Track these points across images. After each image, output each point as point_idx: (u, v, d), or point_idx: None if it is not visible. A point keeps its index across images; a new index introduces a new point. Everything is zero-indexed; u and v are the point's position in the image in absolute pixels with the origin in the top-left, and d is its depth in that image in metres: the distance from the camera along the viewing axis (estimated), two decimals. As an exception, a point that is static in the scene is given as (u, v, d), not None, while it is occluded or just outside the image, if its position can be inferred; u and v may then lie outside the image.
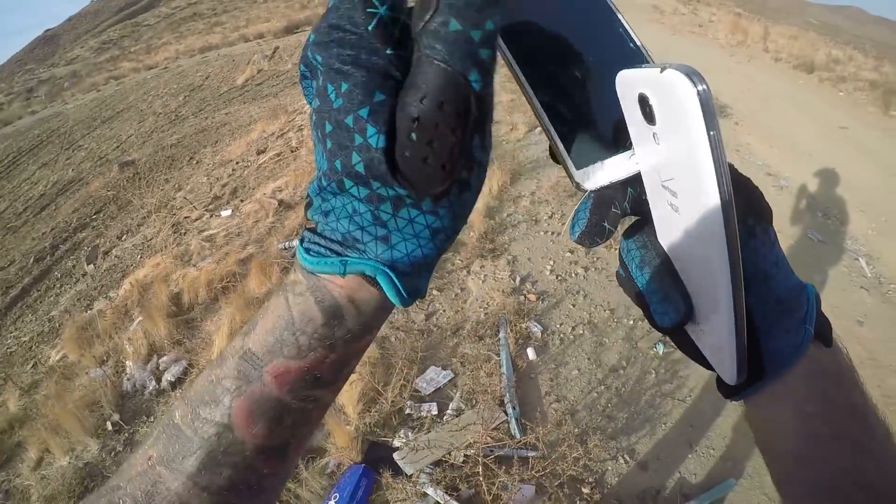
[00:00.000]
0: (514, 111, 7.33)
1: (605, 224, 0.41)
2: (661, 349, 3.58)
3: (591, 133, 0.42)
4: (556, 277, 4.20)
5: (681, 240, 0.40)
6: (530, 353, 3.42)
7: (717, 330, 0.39)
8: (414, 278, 0.36)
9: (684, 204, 0.37)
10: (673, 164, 0.36)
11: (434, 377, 3.22)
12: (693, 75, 0.32)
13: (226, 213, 6.68)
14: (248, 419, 0.35)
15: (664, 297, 0.41)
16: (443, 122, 0.30)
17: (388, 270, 0.34)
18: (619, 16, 0.48)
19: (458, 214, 0.35)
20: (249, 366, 0.35)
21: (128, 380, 3.91)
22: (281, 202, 6.21)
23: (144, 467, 0.36)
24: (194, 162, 10.02)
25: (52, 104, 20.67)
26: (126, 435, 3.50)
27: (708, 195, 0.34)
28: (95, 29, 41.50)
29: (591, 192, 0.42)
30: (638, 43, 0.46)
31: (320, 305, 0.35)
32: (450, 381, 3.25)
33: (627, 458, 2.88)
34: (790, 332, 0.39)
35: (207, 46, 22.98)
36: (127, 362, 4.07)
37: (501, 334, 3.49)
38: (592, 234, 0.41)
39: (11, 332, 6.03)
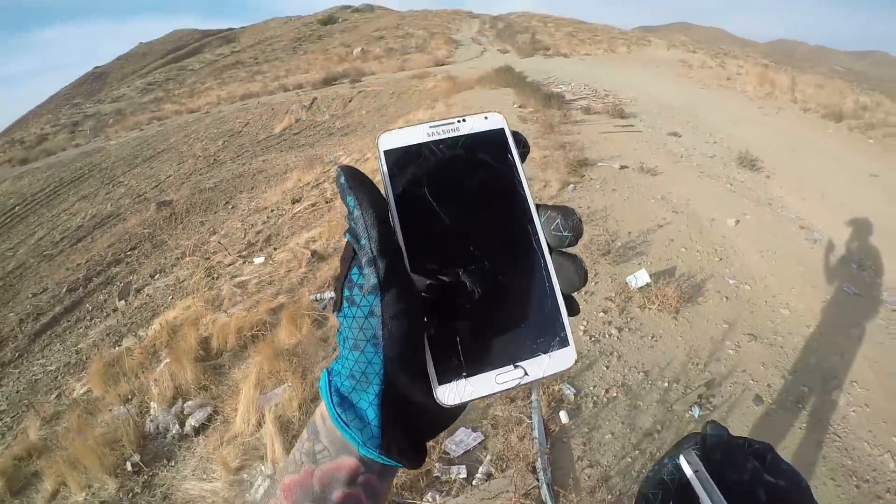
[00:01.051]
0: (547, 168, 7.37)
1: None
2: (696, 413, 3.46)
3: (464, 346, 0.41)
4: (590, 338, 4.12)
5: None
6: (563, 416, 3.32)
7: None
8: (351, 395, 0.41)
9: None
10: None
11: (464, 439, 3.14)
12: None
13: (259, 260, 6.76)
14: None
15: None
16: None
17: (326, 371, 0.42)
18: (535, 215, 0.46)
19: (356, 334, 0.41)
20: (272, 488, 0.43)
21: (151, 421, 3.89)
22: (314, 252, 6.26)
23: None
24: (230, 207, 10.26)
25: (95, 139, 21.48)
26: (145, 477, 3.46)
27: None
28: (142, 70, 43.39)
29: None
30: (546, 255, 0.45)
31: (308, 423, 0.44)
32: (480, 443, 3.15)
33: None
34: None
35: (248, 94, 23.84)
36: (151, 403, 4.07)
37: (534, 396, 3.40)
38: None
39: (38, 360, 6.10)
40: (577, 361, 0.42)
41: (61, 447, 3.78)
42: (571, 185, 6.80)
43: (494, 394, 0.42)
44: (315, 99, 19.24)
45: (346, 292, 0.41)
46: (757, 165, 7.98)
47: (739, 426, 3.42)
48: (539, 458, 2.95)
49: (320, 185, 9.73)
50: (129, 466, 3.53)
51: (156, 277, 7.58)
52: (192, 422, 3.78)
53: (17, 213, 12.98)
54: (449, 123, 0.46)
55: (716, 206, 6.34)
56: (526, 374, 0.42)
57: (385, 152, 0.44)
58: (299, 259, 6.17)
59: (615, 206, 6.26)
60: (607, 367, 3.83)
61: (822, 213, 6.46)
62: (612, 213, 6.08)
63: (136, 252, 9.02)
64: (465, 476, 2.91)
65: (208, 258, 7.48)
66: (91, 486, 3.44)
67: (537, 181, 7.02)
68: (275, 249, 7.07)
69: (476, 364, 0.41)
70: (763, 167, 7.96)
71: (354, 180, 0.40)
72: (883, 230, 5.90)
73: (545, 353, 0.43)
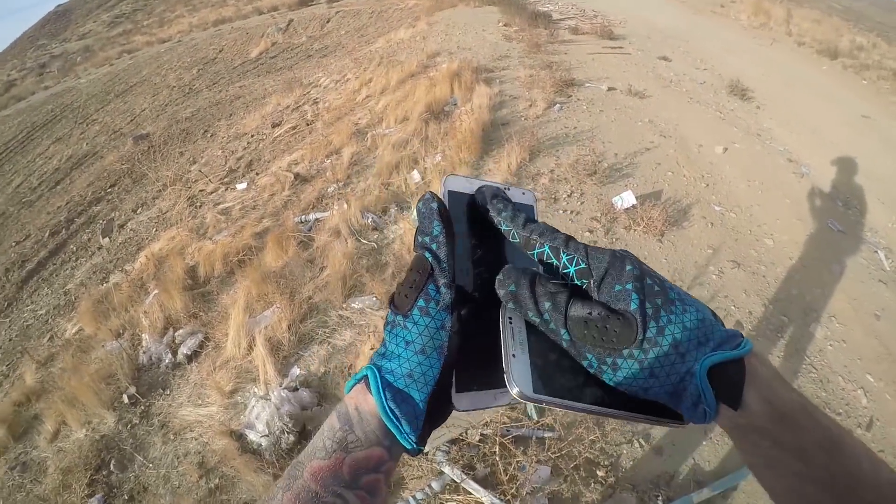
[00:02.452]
0: (532, 87, 7.23)
1: None
2: (678, 334, 3.55)
3: (478, 367, 0.52)
4: (574, 257, 4.14)
5: None
6: (549, 334, 3.39)
7: None
8: (403, 392, 0.49)
9: None
10: None
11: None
12: None
13: (241, 186, 6.66)
14: None
15: None
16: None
17: (374, 367, 0.50)
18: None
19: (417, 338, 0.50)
20: (296, 469, 0.48)
21: (144, 353, 3.92)
22: (297, 175, 6.18)
23: None
24: (209, 135, 10.00)
25: (64, 79, 20.58)
26: (142, 408, 3.53)
27: None
28: (107, 3, 41.13)
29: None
30: None
31: (338, 414, 0.50)
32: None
33: (643, 443, 2.87)
34: (694, 411, 0.46)
35: (221, 19, 22.85)
36: (143, 335, 4.08)
37: (518, 315, 3.45)
38: None
39: (28, 306, 6.07)
40: None
41: (58, 387, 3.80)
42: (558, 105, 6.69)
43: (491, 407, 0.53)
44: (291, 21, 18.54)
45: (422, 303, 0.49)
46: (748, 95, 7.88)
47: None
48: (525, 374, 3.03)
49: (300, 108, 9.50)
50: (125, 399, 3.58)
51: (138, 211, 7.45)
52: (184, 350, 3.82)
53: (-10, 165, 12.60)
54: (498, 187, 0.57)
55: (704, 133, 6.30)
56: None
57: (449, 192, 0.55)
58: (282, 182, 6.11)
59: (602, 127, 6.19)
60: (592, 287, 3.88)
61: (811, 148, 6.43)
62: (599, 134, 6.02)
63: (117, 188, 8.82)
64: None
65: (190, 187, 7.35)
66: (90, 421, 3.49)
67: (523, 100, 6.88)
68: (257, 174, 6.98)
69: (485, 381, 0.52)
70: (754, 97, 7.86)
71: (443, 210, 0.51)
72: (870, 172, 5.91)
73: None
